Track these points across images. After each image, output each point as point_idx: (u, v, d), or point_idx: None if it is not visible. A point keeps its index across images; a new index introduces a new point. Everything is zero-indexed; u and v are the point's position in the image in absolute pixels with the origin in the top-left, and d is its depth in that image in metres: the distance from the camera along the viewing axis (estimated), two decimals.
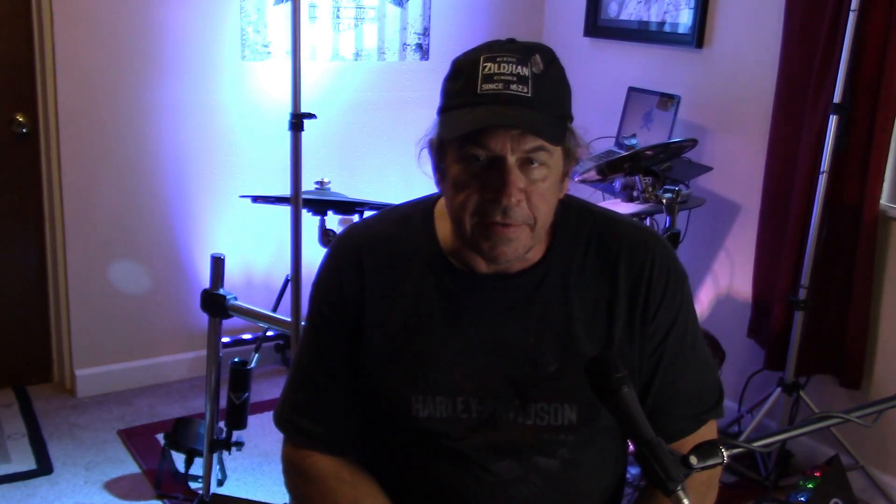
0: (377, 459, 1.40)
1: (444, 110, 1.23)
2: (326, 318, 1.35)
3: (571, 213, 1.34)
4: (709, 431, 1.37)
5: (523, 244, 1.23)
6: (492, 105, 1.16)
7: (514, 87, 1.16)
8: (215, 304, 2.42)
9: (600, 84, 3.90)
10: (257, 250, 3.77)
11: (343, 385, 1.35)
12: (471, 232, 1.22)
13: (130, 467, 3.07)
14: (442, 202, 1.33)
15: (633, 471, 2.53)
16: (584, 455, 1.33)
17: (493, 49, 1.20)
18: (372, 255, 1.33)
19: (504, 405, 1.29)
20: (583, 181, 3.15)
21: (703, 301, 3.60)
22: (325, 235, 2.97)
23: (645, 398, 1.32)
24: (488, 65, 1.18)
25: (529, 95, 1.16)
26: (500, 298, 1.29)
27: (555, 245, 1.31)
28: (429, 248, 1.32)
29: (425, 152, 1.30)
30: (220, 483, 2.95)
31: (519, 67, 1.17)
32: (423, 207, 1.37)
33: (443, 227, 1.32)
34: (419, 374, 1.30)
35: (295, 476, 1.40)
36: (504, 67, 1.17)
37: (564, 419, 1.28)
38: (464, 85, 1.19)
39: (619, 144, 3.58)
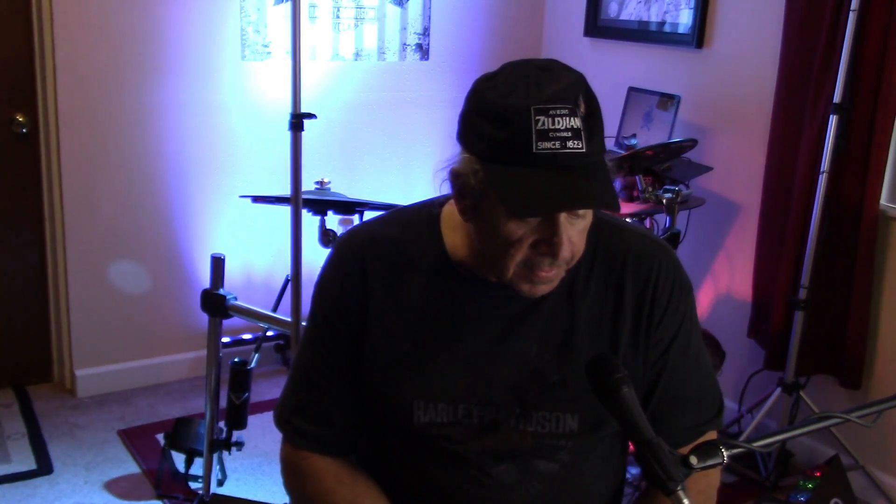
0: (376, 462, 1.39)
1: (490, 160, 1.15)
2: (329, 320, 1.35)
3: None
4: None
5: (559, 280, 1.24)
6: (550, 169, 1.12)
7: (570, 143, 1.11)
8: (215, 304, 2.42)
9: (600, 84, 3.85)
10: (257, 250, 3.77)
11: (344, 387, 1.34)
12: (511, 276, 1.21)
13: (130, 467, 3.07)
14: (448, 208, 1.31)
15: (634, 471, 2.54)
16: (584, 459, 1.33)
17: (538, 94, 1.12)
18: (376, 259, 1.32)
19: (506, 413, 1.28)
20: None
21: (703, 301, 3.60)
22: (325, 235, 2.97)
23: (646, 408, 1.32)
24: (541, 118, 1.11)
25: (584, 151, 1.12)
26: (504, 307, 1.29)
27: None
28: (434, 255, 1.31)
29: (443, 175, 1.25)
30: (220, 483, 2.95)
31: (572, 120, 1.12)
32: (428, 212, 1.35)
33: (449, 235, 1.31)
34: (421, 381, 1.29)
35: (294, 477, 1.39)
36: (558, 122, 1.12)
37: (565, 427, 1.28)
38: (513, 137, 1.12)
39: (619, 144, 3.58)
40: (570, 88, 1.14)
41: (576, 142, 1.11)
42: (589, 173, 1.13)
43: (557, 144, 1.11)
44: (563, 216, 1.15)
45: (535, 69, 1.15)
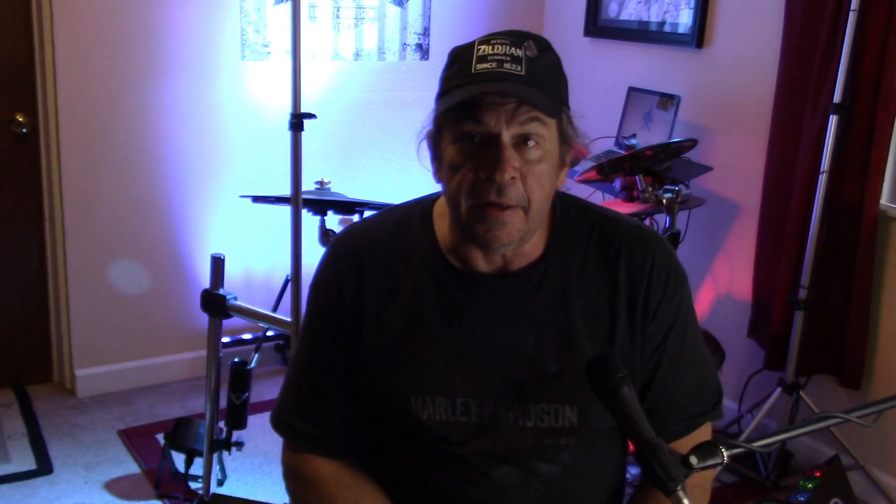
0: (378, 466, 1.39)
1: (440, 96, 1.24)
2: (325, 321, 1.34)
3: (571, 212, 1.34)
4: (704, 434, 1.36)
5: (518, 228, 1.21)
6: (486, 82, 1.18)
7: (507, 65, 1.18)
8: (215, 304, 2.42)
9: (600, 84, 3.90)
10: (257, 250, 3.77)
11: (342, 388, 1.34)
12: (466, 215, 1.21)
13: (130, 467, 3.07)
14: (441, 202, 1.32)
15: (634, 471, 2.53)
16: (584, 460, 1.32)
17: (488, 34, 1.22)
18: (370, 257, 1.32)
19: (504, 406, 1.28)
20: (583, 181, 3.15)
21: (703, 301, 3.60)
22: (325, 235, 2.97)
23: (643, 399, 1.32)
24: (482, 47, 1.20)
25: (523, 74, 1.18)
26: (499, 298, 1.29)
27: (554, 244, 1.31)
28: (428, 249, 1.31)
29: (424, 147, 1.30)
30: (220, 483, 2.95)
31: (513, 49, 1.19)
32: (421, 207, 1.36)
33: (442, 227, 1.32)
34: (418, 376, 1.29)
35: (296, 481, 1.39)
36: (498, 48, 1.19)
37: (565, 420, 1.28)
38: (459, 68, 1.21)
39: (619, 144, 3.58)
40: (524, 33, 1.22)
41: (513, 65, 1.18)
42: (521, 84, 1.18)
43: (494, 65, 1.18)
44: (506, 140, 1.18)
45: (503, 31, 1.24)
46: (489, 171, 1.18)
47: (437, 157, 1.27)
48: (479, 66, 1.18)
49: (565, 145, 1.25)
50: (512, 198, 1.19)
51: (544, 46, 1.22)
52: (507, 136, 1.18)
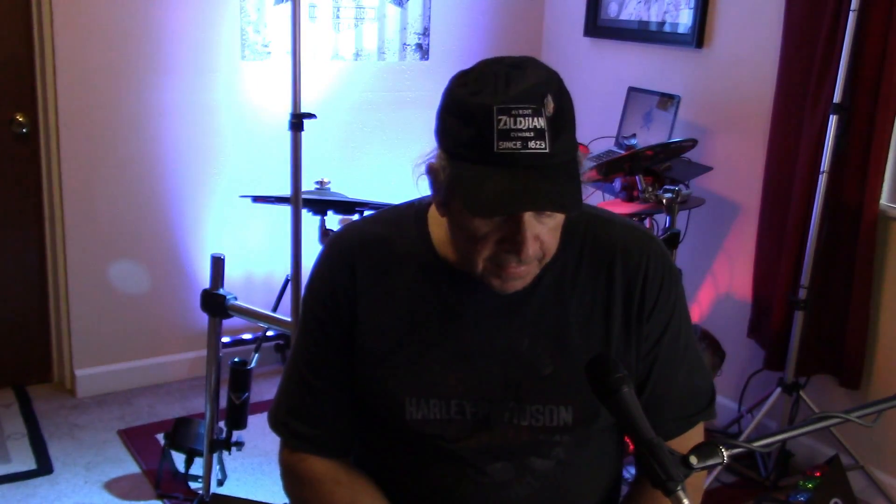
0: (372, 462, 1.39)
1: (454, 157, 1.16)
2: (320, 320, 1.34)
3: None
4: (697, 433, 1.37)
5: (531, 275, 1.23)
6: (512, 169, 1.11)
7: (532, 144, 1.11)
8: (215, 304, 2.42)
9: (600, 84, 3.90)
10: (257, 250, 3.77)
11: (338, 387, 1.34)
12: (482, 271, 1.21)
13: (130, 467, 3.07)
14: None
15: (633, 470, 2.53)
16: (579, 455, 1.33)
17: (504, 93, 1.12)
18: (364, 257, 1.32)
19: (499, 408, 1.28)
20: (582, 181, 3.15)
21: (703, 301, 3.60)
22: (325, 235, 2.98)
23: (638, 398, 1.32)
24: (503, 118, 1.11)
25: (547, 151, 1.12)
26: (494, 301, 1.28)
27: None
28: (423, 251, 1.31)
29: (424, 178, 1.25)
30: (220, 483, 2.95)
31: (535, 120, 1.11)
32: (416, 209, 1.36)
33: (437, 231, 1.31)
34: (413, 377, 1.29)
35: (292, 480, 1.39)
36: (520, 122, 1.11)
37: (559, 420, 1.28)
38: (476, 136, 1.12)
39: (619, 144, 3.58)
40: (538, 87, 1.13)
41: (538, 142, 1.11)
42: (550, 174, 1.13)
43: (518, 144, 1.11)
44: (528, 214, 1.16)
45: (507, 66, 1.16)
46: (512, 247, 1.17)
47: (445, 204, 1.22)
48: (503, 145, 1.10)
49: None
50: (531, 260, 1.20)
51: (556, 89, 1.15)
52: (528, 214, 1.16)
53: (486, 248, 1.18)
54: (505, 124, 1.11)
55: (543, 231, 1.19)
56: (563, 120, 1.14)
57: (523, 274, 1.21)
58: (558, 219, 1.21)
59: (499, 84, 1.13)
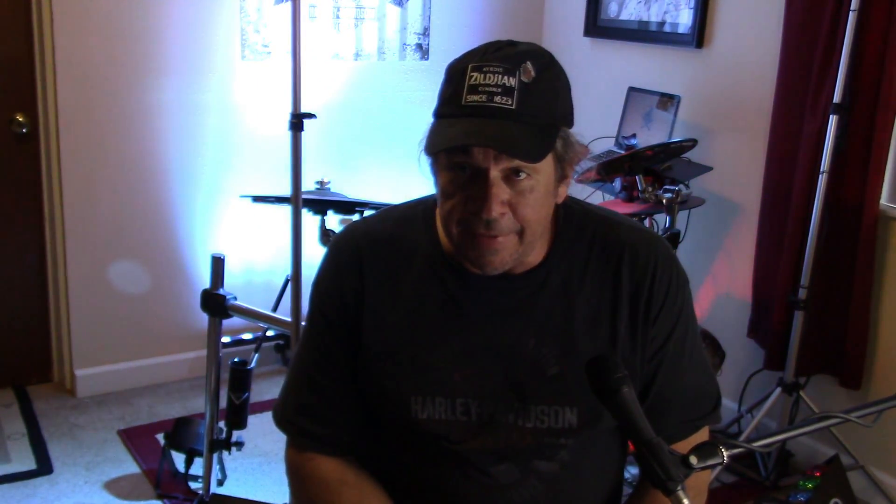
0: (376, 462, 1.39)
1: (435, 116, 1.22)
2: (327, 319, 1.34)
3: (573, 215, 1.33)
4: (702, 437, 1.37)
5: (510, 252, 1.22)
6: (474, 118, 1.14)
7: (497, 99, 1.14)
8: (215, 304, 2.42)
9: (600, 84, 3.90)
10: (257, 250, 3.77)
11: (345, 386, 1.34)
12: (457, 240, 1.22)
13: (130, 467, 3.07)
14: None
15: (634, 471, 2.53)
16: (583, 458, 1.33)
17: (484, 56, 1.17)
18: (372, 256, 1.32)
19: (504, 408, 1.28)
20: (583, 181, 3.15)
21: (703, 301, 3.60)
22: (325, 235, 2.97)
23: (642, 402, 1.31)
24: (474, 74, 1.15)
25: (513, 108, 1.14)
26: (501, 300, 1.29)
27: (556, 247, 1.31)
28: (430, 249, 1.31)
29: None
30: (220, 483, 2.95)
31: (505, 78, 1.14)
32: (424, 207, 1.36)
33: (443, 229, 1.32)
34: (419, 375, 1.29)
35: (299, 480, 1.39)
36: (490, 78, 1.15)
37: (564, 422, 1.28)
38: (452, 93, 1.17)
39: (619, 144, 3.58)
40: (522, 55, 1.17)
41: (505, 98, 1.14)
42: (510, 125, 1.15)
43: (484, 98, 1.15)
44: (493, 174, 1.16)
45: (505, 42, 1.20)
46: (477, 206, 1.17)
47: (434, 173, 1.25)
48: (469, 98, 1.15)
49: (562, 164, 1.23)
50: (502, 229, 1.19)
51: (544, 63, 1.18)
52: (495, 171, 1.16)
53: (457, 211, 1.19)
54: (475, 80, 1.16)
55: (518, 199, 1.18)
56: (543, 89, 1.17)
57: (498, 247, 1.20)
58: (537, 191, 1.19)
59: (488, 51, 1.18)
